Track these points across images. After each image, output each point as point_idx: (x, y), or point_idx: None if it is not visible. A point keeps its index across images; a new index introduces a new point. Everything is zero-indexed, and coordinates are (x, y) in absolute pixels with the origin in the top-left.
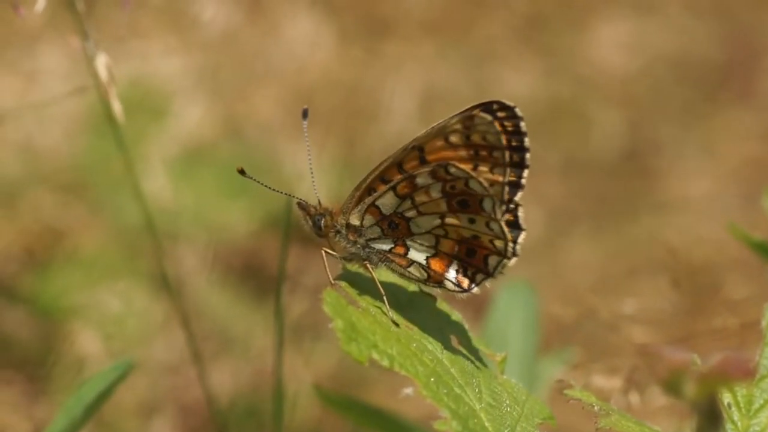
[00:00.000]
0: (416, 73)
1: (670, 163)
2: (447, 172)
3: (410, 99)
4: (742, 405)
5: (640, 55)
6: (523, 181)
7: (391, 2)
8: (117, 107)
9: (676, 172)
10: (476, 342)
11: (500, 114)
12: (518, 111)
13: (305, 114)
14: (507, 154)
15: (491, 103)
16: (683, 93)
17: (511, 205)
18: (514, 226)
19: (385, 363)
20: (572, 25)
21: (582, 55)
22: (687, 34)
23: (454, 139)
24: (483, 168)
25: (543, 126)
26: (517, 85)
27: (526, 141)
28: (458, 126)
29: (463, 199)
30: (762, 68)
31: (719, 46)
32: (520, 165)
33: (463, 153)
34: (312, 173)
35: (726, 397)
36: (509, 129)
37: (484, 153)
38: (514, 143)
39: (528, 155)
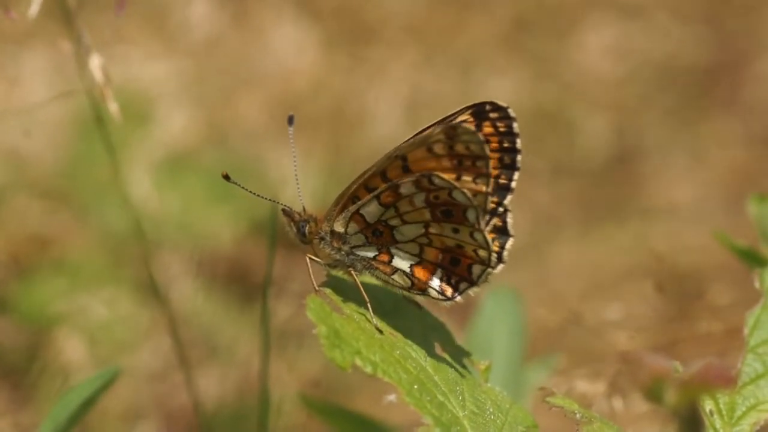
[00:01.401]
0: (402, 79)
1: (656, 168)
2: (430, 182)
3: (396, 105)
4: (724, 412)
5: (626, 60)
6: (514, 183)
7: (376, 8)
8: (113, 108)
9: (662, 178)
10: (461, 349)
11: (493, 115)
12: (511, 112)
13: (291, 120)
14: (493, 161)
15: (484, 103)
16: (669, 99)
17: (500, 209)
18: (503, 231)
19: (369, 370)
20: (558, 30)
21: (568, 61)
22: (673, 40)
23: (437, 149)
24: (466, 178)
25: (529, 131)
26: (502, 90)
27: (519, 142)
28: (441, 136)
29: (447, 209)
30: (748, 74)
31: (705, 52)
32: (511, 167)
33: (446, 163)
34: (297, 180)
35: (708, 404)
36: (501, 130)
37: (467, 163)
38: (506, 144)
39: (520, 157)
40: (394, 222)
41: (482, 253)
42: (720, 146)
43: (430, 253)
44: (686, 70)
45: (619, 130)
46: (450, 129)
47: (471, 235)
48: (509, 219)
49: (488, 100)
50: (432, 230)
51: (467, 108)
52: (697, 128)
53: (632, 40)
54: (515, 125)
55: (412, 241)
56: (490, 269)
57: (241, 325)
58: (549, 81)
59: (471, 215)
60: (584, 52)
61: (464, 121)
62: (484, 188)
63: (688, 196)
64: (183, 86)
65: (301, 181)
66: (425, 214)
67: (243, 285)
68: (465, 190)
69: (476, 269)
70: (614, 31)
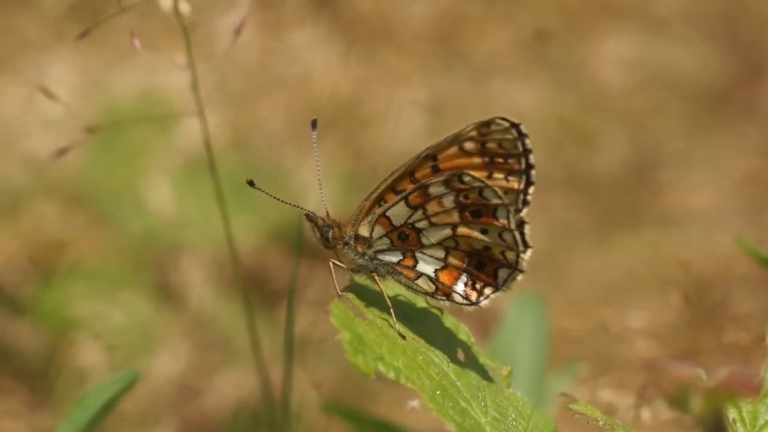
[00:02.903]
0: (422, 86)
1: (674, 177)
2: (461, 180)
3: (416, 112)
4: (747, 421)
5: (644, 70)
6: (529, 197)
7: (397, 15)
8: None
9: (680, 186)
10: (482, 355)
11: None
12: (523, 128)
13: (314, 124)
14: (523, 159)
15: (496, 119)
16: (687, 108)
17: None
18: (521, 243)
19: (392, 375)
20: (578, 39)
21: (587, 70)
22: (692, 50)
23: (468, 146)
24: (498, 175)
25: (547, 140)
26: (522, 98)
27: (532, 158)
28: (474, 133)
29: (477, 209)
30: (766, 83)
31: (723, 61)
32: (526, 182)
33: (477, 161)
34: (320, 184)
35: (731, 413)
36: None
37: (499, 160)
38: None
39: (534, 172)
40: (421, 224)
41: (510, 255)
42: (738, 154)
43: (456, 257)
44: (704, 79)
45: (637, 139)
46: (483, 126)
47: (500, 235)
48: (527, 230)
49: (501, 115)
50: (460, 232)
51: (479, 124)
52: (715, 137)
53: (651, 50)
54: (527, 141)
55: (439, 244)
56: (517, 272)
57: (261, 331)
58: (568, 90)
59: (501, 214)
60: (603, 61)
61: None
62: (516, 186)
63: (706, 204)
64: (207, 92)
65: (323, 187)
66: (454, 215)
67: (263, 291)
68: (496, 189)
69: (502, 273)
70: (634, 41)
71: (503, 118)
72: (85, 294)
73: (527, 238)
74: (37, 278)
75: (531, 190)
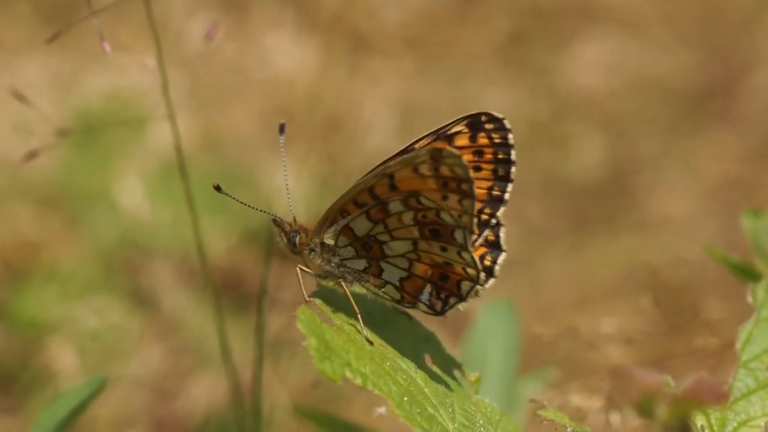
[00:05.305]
0: (397, 90)
1: (650, 182)
2: (418, 201)
3: (390, 115)
4: (715, 428)
5: (621, 74)
6: (507, 195)
7: (372, 18)
8: None
9: (655, 192)
10: (451, 360)
11: (488, 126)
12: (506, 123)
13: (282, 129)
14: (487, 172)
15: (480, 114)
16: (664, 113)
17: (493, 221)
18: (495, 246)
19: (358, 382)
20: (554, 43)
21: (563, 74)
22: (669, 54)
23: (423, 170)
24: (452, 198)
25: (522, 144)
26: (497, 102)
27: (513, 154)
28: (426, 158)
29: (435, 228)
30: (743, 88)
31: (701, 66)
32: (505, 178)
33: (432, 184)
34: (288, 189)
35: (699, 419)
36: (497, 141)
37: (452, 185)
38: (500, 155)
39: (514, 169)
40: (383, 237)
41: (471, 271)
42: (714, 160)
43: (420, 269)
44: (681, 84)
45: (613, 144)
46: (435, 151)
47: (459, 254)
48: (502, 233)
49: (485, 110)
50: (421, 247)
51: (463, 118)
52: (692, 142)
53: (627, 54)
54: (510, 136)
55: (402, 256)
56: (478, 286)
57: (233, 335)
58: (544, 94)
59: (458, 236)
60: (579, 65)
61: (459, 131)
62: (470, 209)
63: (681, 210)
64: (177, 95)
65: (296, 190)
66: (413, 231)
67: (235, 294)
68: (452, 211)
69: (465, 285)
70: (610, 45)
71: (488, 113)
72: (58, 297)
73: (502, 241)
74: (10, 282)
75: (509, 188)
